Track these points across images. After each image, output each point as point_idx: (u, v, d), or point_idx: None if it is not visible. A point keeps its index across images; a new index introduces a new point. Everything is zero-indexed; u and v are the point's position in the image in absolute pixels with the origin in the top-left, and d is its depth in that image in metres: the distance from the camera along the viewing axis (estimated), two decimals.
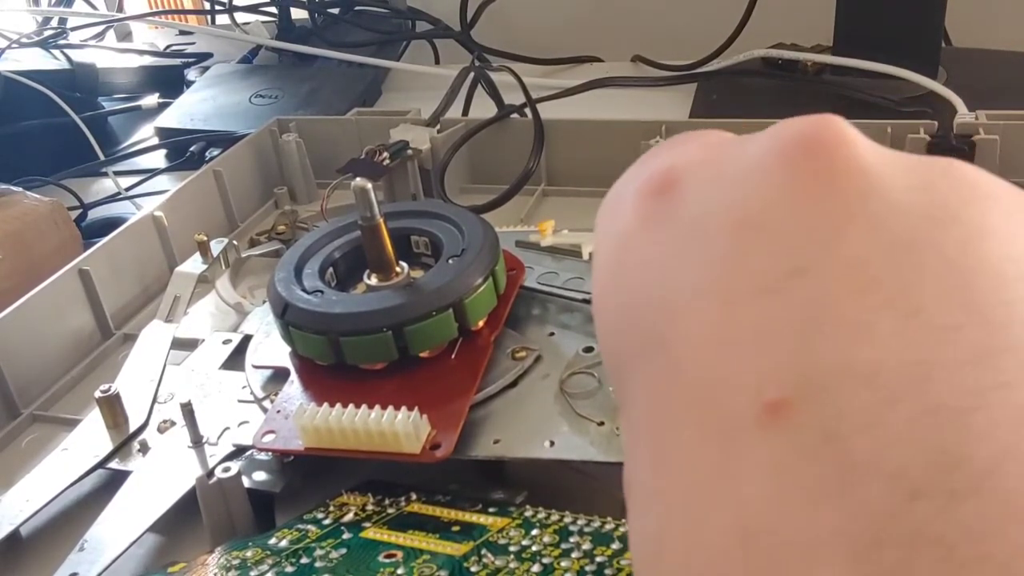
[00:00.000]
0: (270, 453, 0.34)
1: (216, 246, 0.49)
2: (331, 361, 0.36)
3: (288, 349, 0.38)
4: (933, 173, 0.13)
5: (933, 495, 0.10)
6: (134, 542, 0.33)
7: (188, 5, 1.40)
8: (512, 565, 0.27)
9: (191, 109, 0.77)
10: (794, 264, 0.13)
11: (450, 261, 0.38)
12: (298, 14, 0.91)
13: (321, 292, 0.37)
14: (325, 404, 0.33)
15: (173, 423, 0.38)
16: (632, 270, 0.15)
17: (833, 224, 0.13)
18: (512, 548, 0.28)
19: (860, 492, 0.11)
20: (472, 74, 0.65)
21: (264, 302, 0.43)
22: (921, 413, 0.11)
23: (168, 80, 0.87)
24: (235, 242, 0.51)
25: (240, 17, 0.94)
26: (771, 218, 0.13)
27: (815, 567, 0.11)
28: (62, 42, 0.88)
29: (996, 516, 0.10)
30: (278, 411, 0.35)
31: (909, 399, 0.11)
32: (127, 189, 0.67)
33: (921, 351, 0.11)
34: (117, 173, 0.70)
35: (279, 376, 0.38)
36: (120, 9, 1.05)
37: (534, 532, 0.29)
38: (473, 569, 0.27)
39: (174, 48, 0.97)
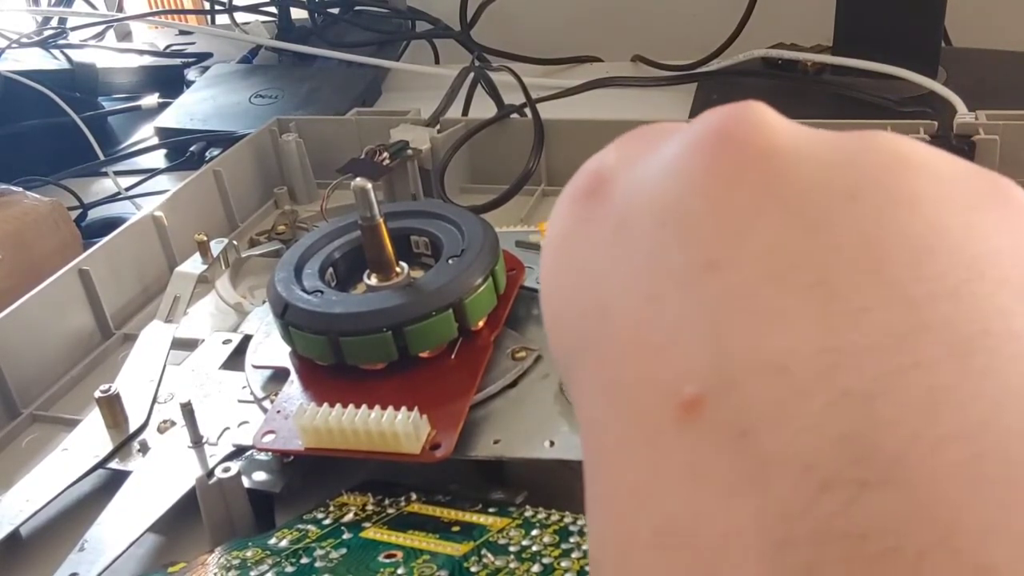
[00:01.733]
0: (270, 453, 0.34)
1: (216, 246, 0.49)
2: (331, 361, 0.36)
3: (288, 349, 0.38)
4: (856, 147, 0.13)
5: (842, 487, 0.10)
6: (134, 542, 0.33)
7: (188, 5, 1.40)
8: (512, 565, 0.27)
9: (191, 109, 0.77)
10: (707, 257, 0.12)
11: (450, 261, 0.38)
12: (298, 14, 0.91)
13: (321, 292, 0.37)
14: (325, 404, 0.33)
15: (173, 423, 0.38)
16: (568, 272, 0.15)
17: (744, 214, 0.12)
18: (512, 548, 0.28)
19: (770, 487, 0.10)
20: (472, 74, 0.65)
21: (264, 302, 0.43)
22: (829, 402, 0.11)
23: (168, 80, 0.87)
24: (235, 242, 0.51)
25: (240, 17, 0.94)
26: (686, 212, 0.13)
27: (725, 565, 0.10)
28: (62, 42, 0.88)
29: (905, 507, 0.10)
30: (278, 411, 0.35)
31: (818, 388, 0.11)
32: (127, 189, 0.67)
33: (831, 337, 0.11)
34: (117, 173, 0.70)
35: (279, 376, 0.38)
36: (120, 9, 1.05)
37: (534, 532, 0.29)
38: (473, 569, 0.27)
39: (174, 48, 0.97)
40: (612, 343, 0.13)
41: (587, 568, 0.26)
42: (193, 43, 0.99)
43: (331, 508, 0.32)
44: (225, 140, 0.69)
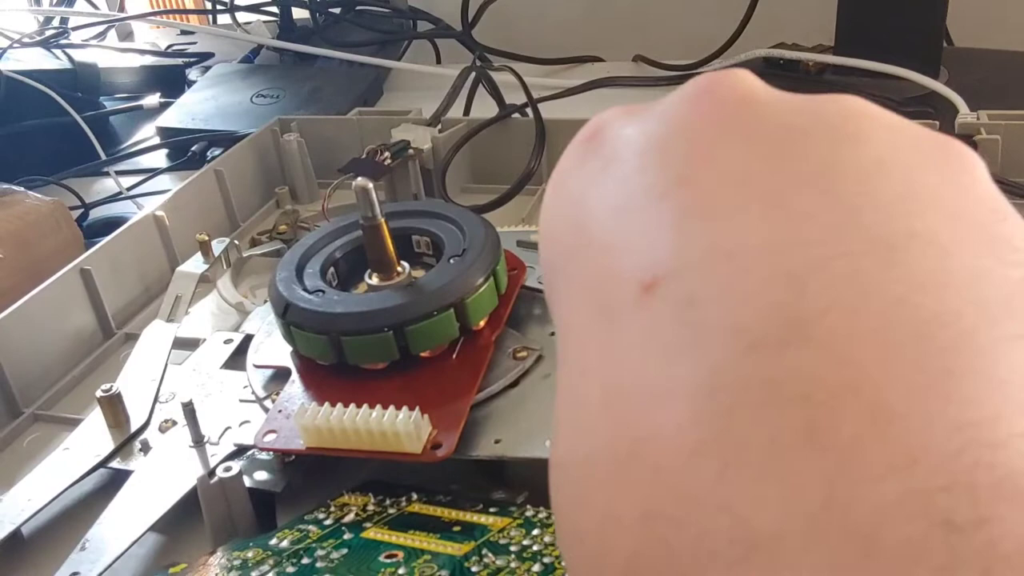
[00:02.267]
0: (271, 453, 0.34)
1: (217, 246, 0.49)
2: (332, 361, 0.36)
3: (289, 349, 0.38)
4: (819, 101, 0.15)
5: (767, 345, 0.12)
6: (135, 542, 0.33)
7: (189, 5, 1.40)
8: (513, 565, 0.27)
9: (192, 109, 0.77)
10: (679, 174, 0.14)
11: (451, 261, 0.38)
12: (299, 14, 0.91)
13: (322, 292, 0.37)
14: (326, 404, 0.33)
15: (174, 423, 0.38)
16: (560, 200, 0.18)
17: (713, 143, 0.14)
18: (513, 548, 0.28)
19: (706, 348, 0.12)
20: (473, 74, 0.65)
21: (265, 302, 0.44)
22: (766, 279, 0.12)
23: (169, 80, 0.87)
24: (236, 242, 0.51)
25: (241, 17, 0.94)
26: (667, 142, 0.15)
27: (659, 411, 0.12)
28: (64, 42, 0.88)
29: (818, 361, 0.11)
30: (279, 411, 0.35)
31: (759, 269, 0.12)
32: (128, 189, 0.67)
33: (776, 232, 0.13)
34: (118, 173, 0.70)
35: (280, 376, 0.38)
36: (122, 9, 1.05)
37: (535, 532, 0.29)
38: (474, 569, 0.27)
39: (175, 48, 0.97)
40: (588, 247, 0.15)
41: None
42: (195, 43, 0.99)
43: (332, 508, 0.32)
44: (227, 140, 0.69)
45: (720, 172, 0.14)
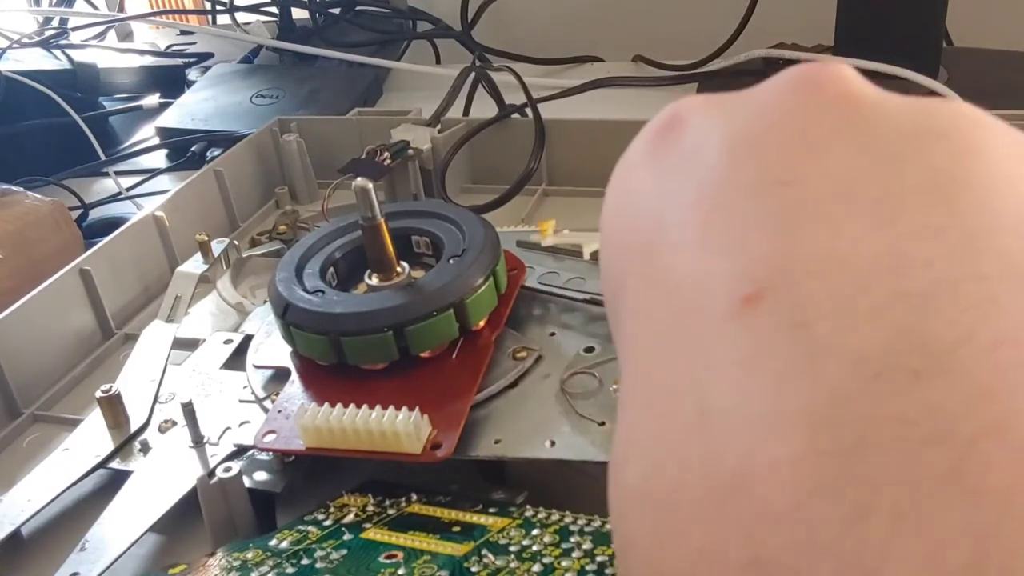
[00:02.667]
0: (271, 453, 0.34)
1: (217, 246, 0.49)
2: (332, 361, 0.36)
3: (289, 349, 0.38)
4: (928, 103, 0.14)
5: (895, 375, 0.10)
6: (135, 542, 0.33)
7: (189, 5, 1.40)
8: (513, 565, 0.27)
9: (192, 109, 0.77)
10: (781, 175, 0.13)
11: (451, 261, 0.38)
12: (299, 14, 0.91)
13: (322, 292, 0.37)
14: (326, 404, 0.33)
15: (174, 423, 0.38)
16: (633, 195, 0.16)
17: (821, 141, 0.13)
18: (513, 548, 0.28)
19: (823, 373, 0.11)
20: (473, 74, 0.65)
21: (265, 302, 0.44)
22: (888, 299, 0.11)
23: (169, 80, 0.87)
24: (236, 242, 0.51)
25: (241, 17, 0.94)
26: (764, 138, 0.14)
27: (771, 441, 0.11)
28: (63, 42, 0.88)
29: (958, 395, 0.10)
30: (279, 411, 0.35)
31: (878, 286, 0.11)
32: (128, 189, 0.67)
33: (894, 244, 0.12)
34: (118, 173, 0.70)
35: (280, 376, 0.38)
36: (121, 9, 1.05)
37: (535, 532, 0.29)
38: (474, 569, 0.27)
39: (175, 48, 0.97)
40: (671, 251, 0.14)
41: (587, 568, 0.26)
42: (194, 43, 0.99)
43: (332, 509, 0.32)
44: (226, 140, 0.69)
45: (827, 174, 0.13)
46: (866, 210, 0.12)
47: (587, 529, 0.28)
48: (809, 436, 0.10)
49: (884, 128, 0.13)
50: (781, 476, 0.10)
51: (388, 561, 0.28)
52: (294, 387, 0.37)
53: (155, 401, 0.39)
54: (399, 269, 0.38)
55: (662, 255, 0.14)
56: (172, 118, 0.76)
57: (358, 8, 0.90)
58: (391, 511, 0.32)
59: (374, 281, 0.38)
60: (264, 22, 0.93)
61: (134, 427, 0.38)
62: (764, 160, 0.13)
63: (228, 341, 0.42)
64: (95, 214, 0.65)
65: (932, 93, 0.60)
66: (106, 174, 0.70)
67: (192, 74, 0.89)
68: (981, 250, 0.11)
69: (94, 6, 1.02)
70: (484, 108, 0.62)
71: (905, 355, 0.10)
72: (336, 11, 0.90)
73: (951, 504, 0.09)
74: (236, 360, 0.41)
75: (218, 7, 0.95)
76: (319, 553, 0.29)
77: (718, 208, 0.13)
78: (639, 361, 0.14)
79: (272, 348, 0.40)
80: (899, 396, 0.10)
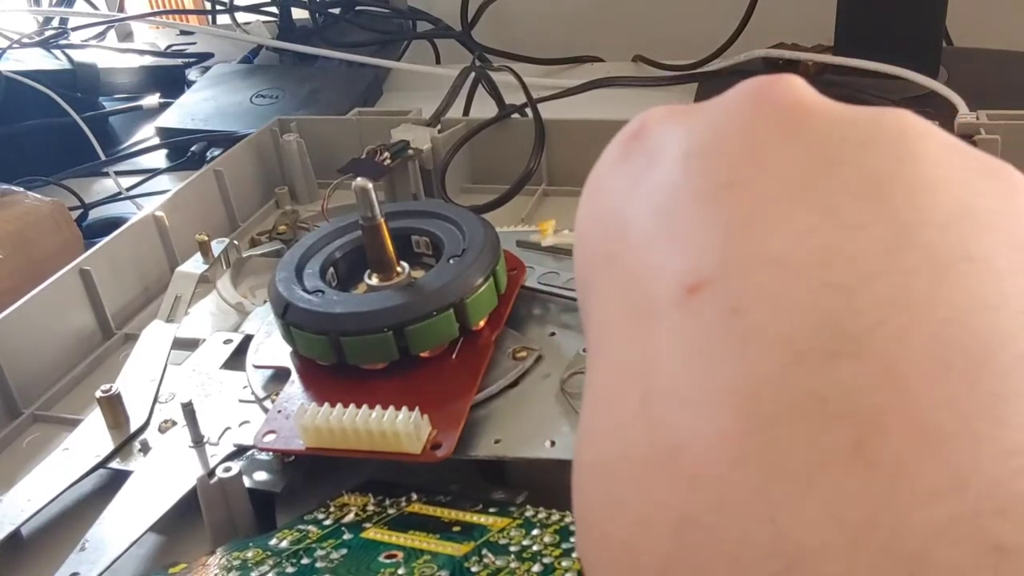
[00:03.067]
0: (271, 453, 0.34)
1: (217, 246, 0.49)
2: (332, 361, 0.36)
3: (289, 349, 0.38)
4: (873, 113, 0.15)
5: (814, 357, 0.11)
6: (135, 542, 0.33)
7: (189, 5, 1.40)
8: (513, 565, 0.27)
9: (192, 109, 0.77)
10: (728, 178, 0.14)
11: (451, 261, 0.38)
12: (299, 14, 0.91)
13: (322, 292, 0.37)
14: (326, 404, 0.33)
15: (174, 423, 0.38)
16: (602, 200, 0.17)
17: (768, 148, 0.14)
18: (513, 548, 0.28)
19: (751, 355, 0.12)
20: (473, 74, 0.65)
21: (265, 302, 0.44)
22: (816, 289, 0.12)
23: (169, 80, 0.87)
24: (236, 242, 0.51)
25: (241, 17, 0.94)
26: (716, 145, 0.15)
27: (699, 417, 0.12)
28: (63, 42, 0.88)
29: (867, 376, 0.11)
30: (279, 411, 0.35)
31: (808, 278, 0.12)
32: (128, 189, 0.67)
33: (829, 242, 0.13)
34: (118, 173, 0.70)
35: (280, 376, 0.38)
36: (121, 9, 1.05)
37: (535, 532, 0.29)
38: (474, 569, 0.27)
39: (175, 48, 0.97)
40: (629, 248, 0.15)
41: None
42: (194, 43, 0.99)
43: (332, 508, 0.32)
44: (226, 140, 0.69)
45: (771, 178, 0.14)
46: (804, 211, 0.13)
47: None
48: (734, 412, 0.12)
49: (829, 136, 0.14)
50: (708, 448, 0.12)
51: (388, 561, 0.28)
52: (294, 387, 0.37)
53: (155, 401, 0.39)
54: (399, 269, 0.38)
55: (623, 255, 0.15)
56: (172, 118, 0.76)
57: (358, 8, 0.90)
58: (391, 511, 0.32)
59: (374, 281, 0.38)
60: (264, 22, 0.93)
61: (134, 427, 0.38)
62: (714, 166, 0.14)
63: (228, 341, 0.42)
64: (95, 214, 0.65)
65: (932, 93, 0.60)
66: (106, 174, 0.70)
67: (192, 74, 0.89)
68: (904, 245, 0.12)
69: (94, 6, 1.02)
70: (484, 108, 0.62)
71: (824, 339, 0.12)
72: (336, 11, 0.90)
73: (852, 472, 0.11)
74: (236, 360, 0.41)
75: (218, 7, 0.95)
76: (319, 552, 0.29)
77: (672, 210, 0.14)
78: (600, 353, 0.15)
79: (272, 348, 0.40)
80: (815, 376, 0.11)
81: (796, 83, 0.15)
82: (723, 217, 0.14)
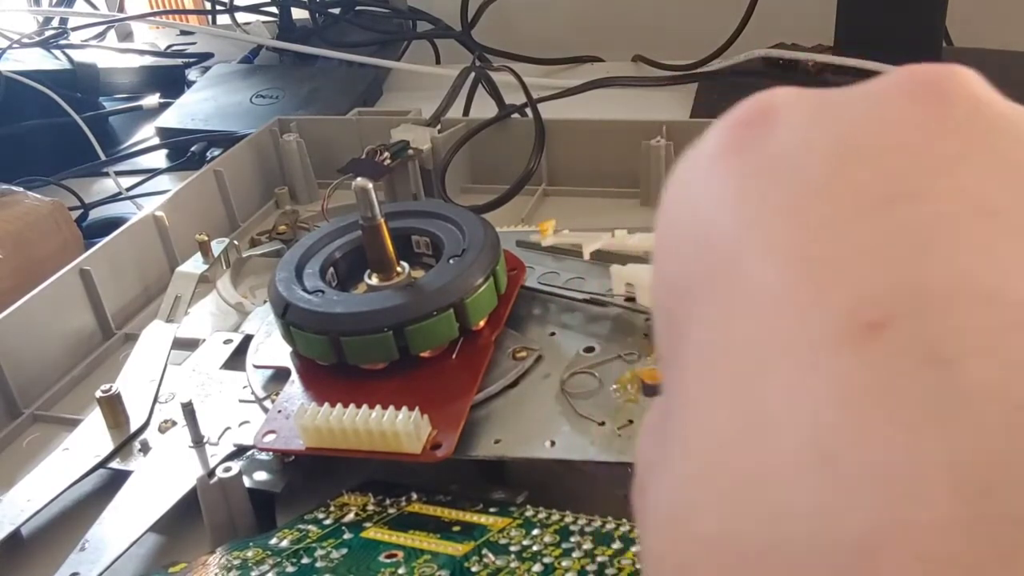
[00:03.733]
0: (271, 453, 0.34)
1: (217, 246, 0.49)
2: (332, 361, 0.36)
3: (289, 349, 0.38)
4: None
5: None
6: (135, 542, 0.33)
7: (189, 5, 1.40)
8: (513, 565, 0.27)
9: (192, 109, 0.77)
10: (903, 188, 0.12)
11: (451, 261, 0.38)
12: (299, 14, 0.91)
13: (322, 292, 0.37)
14: (326, 404, 0.33)
15: (174, 423, 0.38)
16: (704, 199, 0.14)
17: (949, 152, 0.12)
18: (513, 548, 0.28)
19: (972, 422, 0.09)
20: (473, 74, 0.65)
21: (265, 302, 0.43)
22: None
23: (169, 80, 0.87)
24: (236, 242, 0.51)
25: (241, 17, 0.94)
26: (878, 145, 0.12)
27: (918, 501, 0.09)
28: (63, 42, 0.88)
29: None
30: (279, 411, 0.35)
31: None
32: (128, 189, 0.67)
33: None
34: (118, 173, 0.70)
35: (280, 376, 0.38)
36: (121, 9, 1.05)
37: (535, 532, 0.29)
38: (474, 569, 0.27)
39: (175, 48, 0.97)
40: (764, 265, 0.12)
41: (588, 568, 0.26)
42: (194, 43, 0.99)
43: (332, 508, 0.33)
44: (226, 140, 0.69)
45: (960, 189, 0.11)
46: (1006, 236, 0.11)
47: (587, 529, 0.28)
48: (957, 499, 0.09)
49: (1019, 139, 0.12)
50: (922, 545, 0.09)
51: (388, 560, 0.28)
52: (294, 387, 0.37)
53: (155, 401, 0.39)
54: (399, 269, 0.38)
55: (746, 274, 0.12)
56: (172, 118, 0.76)
57: (358, 8, 0.90)
58: (391, 510, 0.32)
59: (374, 281, 0.38)
60: (264, 22, 0.93)
61: (134, 427, 0.38)
62: (883, 171, 0.12)
63: (228, 341, 0.42)
64: (95, 214, 0.65)
65: None
66: (106, 174, 0.70)
67: (192, 74, 0.89)
68: None
69: (94, 6, 1.02)
70: (484, 108, 0.62)
71: None
72: (336, 11, 0.90)
73: None
74: (236, 360, 0.41)
75: (218, 7, 0.95)
76: (319, 552, 0.29)
77: (826, 224, 0.12)
78: (712, 392, 0.12)
79: (272, 348, 0.40)
80: None
81: (970, 76, 0.13)
82: (901, 236, 0.11)
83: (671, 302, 0.14)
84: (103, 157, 0.71)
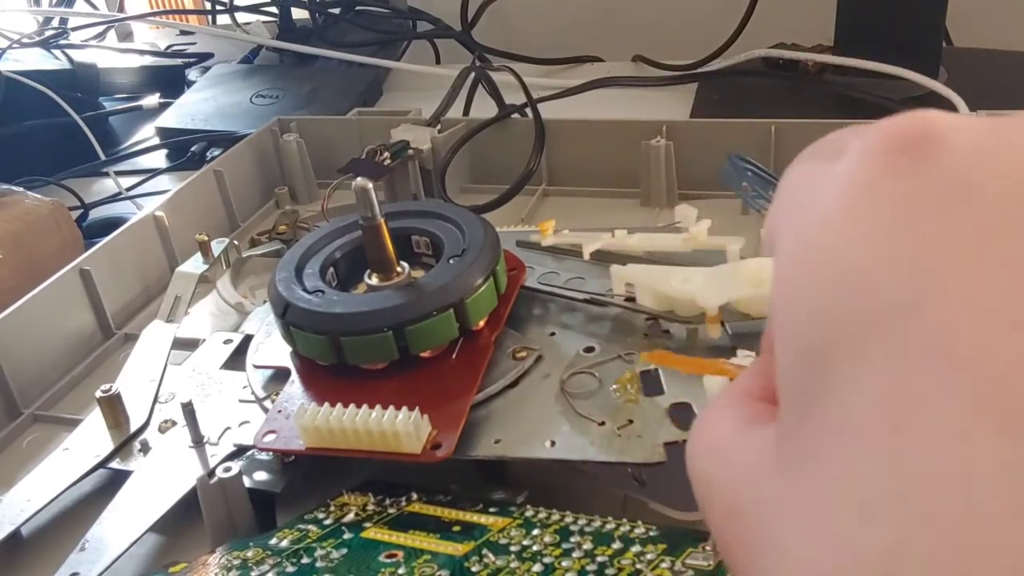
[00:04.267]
0: (271, 453, 0.34)
1: (217, 246, 0.49)
2: (332, 361, 0.36)
3: (289, 349, 0.38)
4: None
5: None
6: (135, 542, 0.33)
7: (189, 5, 1.40)
8: (513, 565, 0.27)
9: (192, 109, 0.77)
10: None
11: (451, 261, 0.38)
12: (299, 14, 0.91)
13: (322, 292, 0.37)
14: (326, 404, 0.33)
15: (174, 423, 0.38)
16: (861, 226, 0.12)
17: None
18: (513, 548, 0.28)
19: None
20: (473, 74, 0.65)
21: (265, 302, 0.43)
22: None
23: (169, 80, 0.87)
24: (236, 242, 0.51)
25: (241, 17, 0.94)
26: None
27: None
28: (63, 42, 0.88)
29: None
30: (279, 411, 0.35)
31: None
32: (128, 189, 0.67)
33: None
34: (118, 173, 0.70)
35: (280, 376, 0.38)
36: (121, 9, 1.05)
37: (535, 532, 0.29)
38: (474, 569, 0.27)
39: (175, 48, 0.97)
40: (961, 310, 0.11)
41: (588, 568, 0.26)
42: (194, 43, 0.99)
43: (332, 508, 0.33)
44: (226, 140, 0.69)
45: None
46: None
47: (587, 529, 0.28)
48: None
49: None
50: None
51: (388, 560, 0.28)
52: (294, 387, 0.37)
53: (155, 401, 0.39)
54: (399, 269, 0.38)
55: (944, 314, 0.11)
56: (172, 118, 0.76)
57: (358, 8, 0.90)
58: (391, 510, 0.32)
59: (374, 281, 0.38)
60: (264, 22, 0.93)
61: (134, 427, 0.38)
62: None
63: (228, 341, 0.42)
64: (95, 214, 0.65)
65: (932, 93, 0.60)
66: (106, 174, 0.70)
67: (192, 74, 0.89)
68: None
69: (94, 6, 1.02)
70: (484, 108, 0.62)
71: None
72: (336, 11, 0.90)
73: None
74: (236, 360, 0.41)
75: (218, 7, 0.95)
76: (319, 552, 0.29)
77: (1020, 270, 0.11)
78: (909, 446, 0.11)
79: (272, 348, 0.40)
80: None
81: None
82: None
83: (819, 343, 0.12)
84: (103, 157, 0.71)
